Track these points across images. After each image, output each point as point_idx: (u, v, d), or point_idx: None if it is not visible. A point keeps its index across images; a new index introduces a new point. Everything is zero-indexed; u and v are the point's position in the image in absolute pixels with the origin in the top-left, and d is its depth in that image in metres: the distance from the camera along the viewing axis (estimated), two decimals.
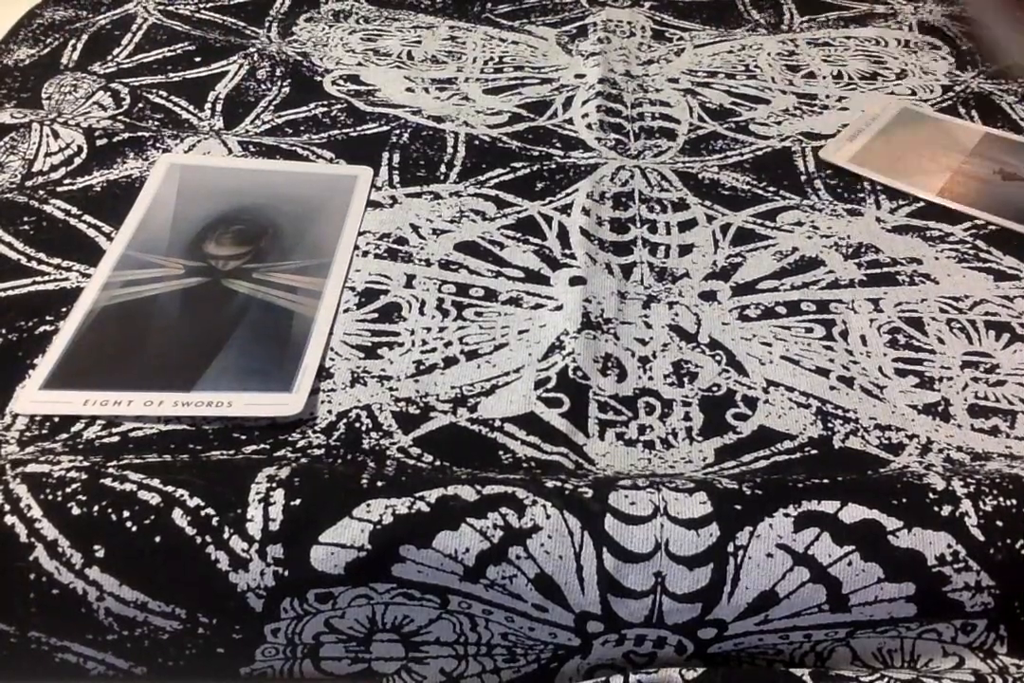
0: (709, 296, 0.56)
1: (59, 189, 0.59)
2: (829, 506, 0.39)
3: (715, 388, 0.50)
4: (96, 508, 0.38)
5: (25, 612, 0.38)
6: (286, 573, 0.37)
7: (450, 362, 0.51)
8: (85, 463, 0.40)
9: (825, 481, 0.41)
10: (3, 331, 0.49)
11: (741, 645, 0.40)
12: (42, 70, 0.72)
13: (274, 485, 0.39)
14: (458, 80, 0.75)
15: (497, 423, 0.47)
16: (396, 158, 0.65)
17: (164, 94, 0.70)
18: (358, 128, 0.68)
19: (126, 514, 0.37)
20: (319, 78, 0.74)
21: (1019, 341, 0.53)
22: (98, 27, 0.78)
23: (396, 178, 0.64)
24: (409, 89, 0.73)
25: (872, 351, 0.52)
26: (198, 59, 0.75)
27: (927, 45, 0.85)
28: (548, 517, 0.38)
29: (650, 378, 0.51)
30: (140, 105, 0.69)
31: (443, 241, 0.59)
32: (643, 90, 0.76)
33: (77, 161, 0.61)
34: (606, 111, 0.72)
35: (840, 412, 0.48)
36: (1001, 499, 0.40)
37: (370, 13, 0.84)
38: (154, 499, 0.38)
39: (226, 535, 0.37)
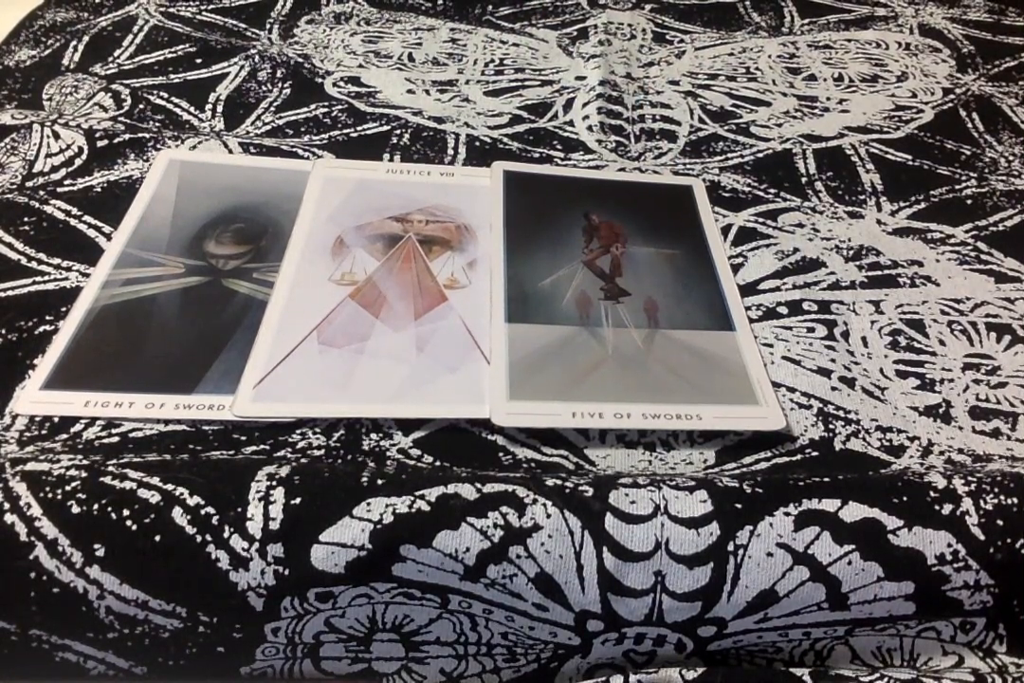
0: None
1: (59, 190, 0.59)
2: (830, 505, 0.39)
3: None
4: (96, 506, 0.37)
5: (25, 610, 0.37)
6: (286, 572, 0.37)
7: None
8: (85, 461, 0.40)
9: (826, 479, 0.41)
10: (3, 331, 0.49)
11: (740, 643, 0.40)
12: (43, 71, 0.72)
13: (274, 483, 0.39)
14: (459, 82, 0.75)
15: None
16: (397, 159, 0.65)
17: (165, 95, 0.70)
18: (358, 128, 0.68)
19: (126, 512, 0.37)
20: (320, 80, 0.74)
21: (1020, 343, 0.53)
22: (99, 28, 0.78)
23: None
24: (410, 91, 0.73)
25: (873, 352, 0.52)
26: (199, 61, 0.75)
27: (928, 48, 0.85)
28: (548, 516, 0.38)
29: None
30: (141, 106, 0.69)
31: None
32: (644, 92, 0.76)
33: (78, 162, 0.61)
34: (607, 113, 0.72)
35: (841, 413, 0.48)
36: (1002, 497, 0.40)
37: (371, 15, 0.84)
38: (154, 497, 0.38)
39: (226, 534, 0.37)
